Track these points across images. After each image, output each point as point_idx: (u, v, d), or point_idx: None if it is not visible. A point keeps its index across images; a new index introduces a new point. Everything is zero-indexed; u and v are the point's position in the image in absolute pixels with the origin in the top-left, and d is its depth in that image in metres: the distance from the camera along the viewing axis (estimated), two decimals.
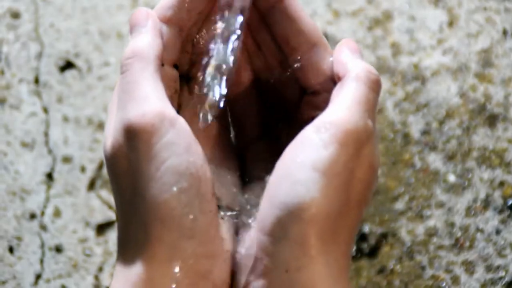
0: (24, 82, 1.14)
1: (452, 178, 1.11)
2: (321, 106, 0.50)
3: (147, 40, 0.51)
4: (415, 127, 1.13)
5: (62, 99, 1.13)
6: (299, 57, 0.55)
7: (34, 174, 1.09)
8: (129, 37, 0.52)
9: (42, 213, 1.08)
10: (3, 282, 1.02)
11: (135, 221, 0.47)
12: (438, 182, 1.11)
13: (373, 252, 1.08)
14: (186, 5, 0.53)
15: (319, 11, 1.20)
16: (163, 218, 0.46)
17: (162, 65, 0.52)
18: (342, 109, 0.48)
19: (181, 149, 0.47)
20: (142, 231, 0.46)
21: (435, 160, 1.12)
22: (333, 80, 0.52)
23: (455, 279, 1.07)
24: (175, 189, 0.46)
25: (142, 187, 0.46)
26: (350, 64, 0.51)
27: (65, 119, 1.12)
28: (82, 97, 1.13)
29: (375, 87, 0.50)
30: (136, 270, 0.46)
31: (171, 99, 0.50)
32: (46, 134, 1.11)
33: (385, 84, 1.15)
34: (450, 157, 1.12)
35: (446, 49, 1.17)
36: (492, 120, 1.14)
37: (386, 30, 1.18)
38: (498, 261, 1.08)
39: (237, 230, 0.50)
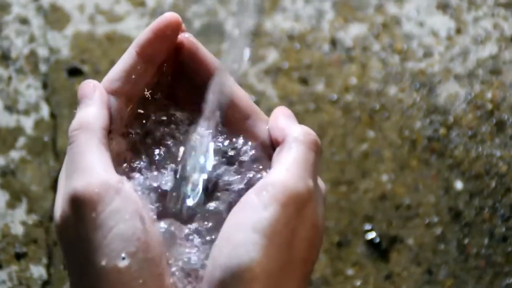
0: (32, 88, 1.14)
1: (459, 185, 1.11)
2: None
3: (93, 112, 0.52)
4: (423, 133, 1.13)
5: (70, 105, 1.13)
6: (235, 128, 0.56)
7: (42, 179, 1.09)
8: (77, 109, 0.53)
9: (50, 220, 1.08)
10: None
11: (86, 287, 0.49)
12: (445, 188, 1.11)
13: (380, 258, 1.08)
14: (133, 76, 0.54)
15: (327, 16, 1.20)
16: (114, 283, 0.47)
17: (110, 135, 0.53)
18: (281, 171, 0.49)
19: (127, 215, 0.48)
20: None
21: (442, 167, 1.12)
22: (271, 147, 0.54)
23: (463, 284, 1.07)
24: (123, 255, 0.47)
25: (91, 255, 0.47)
26: (287, 129, 0.52)
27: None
28: None
29: (313, 147, 0.51)
30: None
31: (122, 166, 0.52)
32: (53, 140, 1.11)
33: (393, 90, 1.15)
34: (457, 164, 1.12)
35: (453, 55, 1.17)
36: (500, 127, 1.13)
37: (394, 36, 1.18)
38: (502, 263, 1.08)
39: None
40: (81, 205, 0.48)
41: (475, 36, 1.18)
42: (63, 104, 1.14)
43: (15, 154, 1.10)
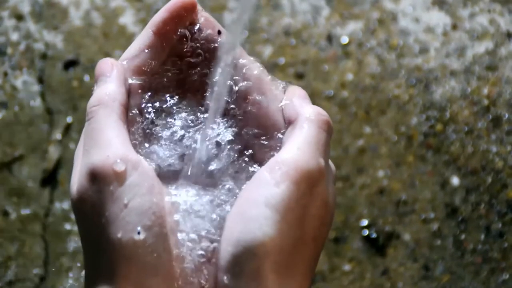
0: (28, 84, 1.14)
1: (455, 180, 1.11)
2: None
3: (112, 89, 0.53)
4: (419, 129, 1.13)
5: (66, 100, 1.13)
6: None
7: (36, 175, 1.09)
8: (94, 86, 0.54)
9: (46, 215, 1.08)
10: None
11: (102, 260, 0.49)
12: (442, 184, 1.11)
13: (377, 254, 1.08)
14: (148, 55, 0.55)
15: (323, 12, 1.20)
16: (129, 256, 0.48)
17: (127, 112, 0.54)
18: (293, 149, 0.49)
19: (144, 190, 0.49)
20: (108, 269, 0.48)
21: (439, 163, 1.12)
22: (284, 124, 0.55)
23: (459, 277, 1.07)
24: (139, 228, 0.48)
25: (107, 228, 0.48)
26: (300, 109, 0.53)
27: (68, 120, 1.12)
28: (86, 98, 1.13)
29: (325, 127, 0.52)
30: None
31: (138, 141, 0.53)
32: (49, 134, 1.11)
33: (389, 86, 1.15)
34: (454, 160, 1.12)
35: (449, 51, 1.17)
36: (496, 123, 1.13)
37: (390, 32, 1.18)
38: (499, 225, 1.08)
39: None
40: (99, 179, 0.49)
41: (471, 32, 1.18)
42: (59, 100, 1.13)
43: (11, 150, 1.10)
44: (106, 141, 0.50)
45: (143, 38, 0.56)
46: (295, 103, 0.54)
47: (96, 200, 0.49)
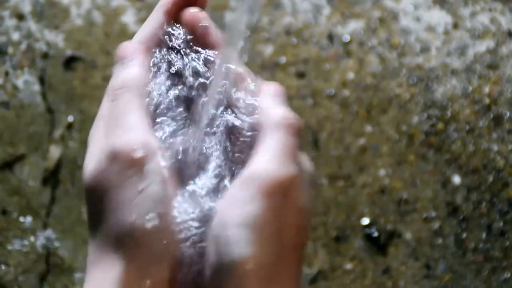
0: (29, 83, 1.14)
1: (457, 179, 1.11)
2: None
3: (136, 73, 0.53)
4: (420, 128, 1.13)
5: (67, 100, 1.13)
6: None
7: (37, 174, 1.09)
8: (116, 67, 0.54)
9: (47, 215, 1.08)
10: None
11: (109, 241, 0.49)
12: (443, 183, 1.11)
13: (378, 253, 1.08)
14: (159, 37, 0.56)
15: (324, 11, 1.20)
16: (138, 241, 0.48)
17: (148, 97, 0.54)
18: (262, 161, 0.49)
19: (159, 178, 0.49)
20: (116, 250, 0.49)
21: (440, 162, 1.12)
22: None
23: (461, 277, 1.07)
24: (152, 214, 0.48)
25: (120, 210, 0.49)
26: (268, 113, 0.53)
27: (70, 119, 1.12)
28: (87, 97, 1.13)
29: (292, 131, 0.51)
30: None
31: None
32: (50, 134, 1.11)
33: (390, 85, 1.15)
34: (455, 158, 1.12)
35: (451, 50, 1.17)
36: (497, 121, 1.14)
37: (391, 31, 1.18)
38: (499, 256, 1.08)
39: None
40: (119, 161, 0.49)
41: (472, 30, 1.18)
42: (60, 99, 1.13)
43: (12, 149, 1.10)
44: (130, 125, 0.51)
45: (153, 20, 0.56)
46: (265, 104, 0.54)
47: (113, 181, 0.49)
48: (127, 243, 0.48)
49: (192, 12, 0.57)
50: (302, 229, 0.50)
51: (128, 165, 0.49)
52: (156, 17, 0.57)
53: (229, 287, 0.47)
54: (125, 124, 0.51)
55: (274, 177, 0.49)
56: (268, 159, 0.50)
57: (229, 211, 0.49)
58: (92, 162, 0.51)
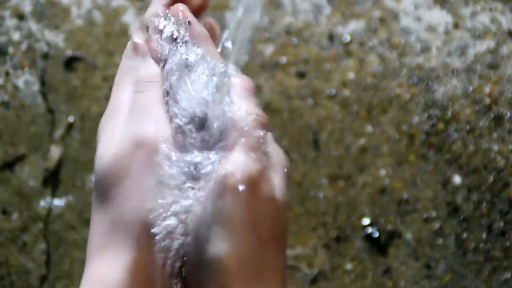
0: (29, 83, 1.14)
1: (457, 179, 1.11)
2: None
3: (159, 70, 0.55)
4: (420, 128, 1.13)
5: (67, 100, 1.13)
6: None
7: (38, 174, 1.09)
8: (135, 58, 0.55)
9: (48, 215, 1.08)
10: None
11: (121, 227, 0.50)
12: (443, 183, 1.11)
13: (379, 253, 1.08)
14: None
15: (325, 12, 1.20)
16: (151, 228, 0.49)
17: None
18: (230, 159, 0.50)
19: None
20: (127, 236, 0.49)
21: (440, 162, 1.12)
22: None
23: (460, 277, 1.07)
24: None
25: (138, 197, 0.50)
26: (233, 107, 0.53)
27: (70, 119, 1.12)
28: (87, 97, 1.13)
29: (257, 125, 0.52)
30: (113, 274, 0.49)
31: None
32: (50, 134, 1.11)
33: (390, 85, 1.15)
34: (455, 158, 1.12)
35: (451, 50, 1.17)
36: (497, 121, 1.13)
37: (391, 31, 1.18)
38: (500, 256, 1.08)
39: None
40: (146, 148, 0.50)
41: (473, 30, 1.18)
42: (60, 99, 1.14)
43: (12, 149, 1.10)
44: (157, 118, 0.52)
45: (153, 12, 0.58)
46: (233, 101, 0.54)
47: (135, 168, 0.50)
48: (140, 230, 0.49)
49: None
50: (277, 221, 0.50)
51: (153, 153, 0.50)
52: (154, 10, 0.58)
53: (210, 283, 0.48)
54: (152, 115, 0.52)
55: (241, 174, 0.49)
56: (234, 155, 0.50)
57: (204, 208, 0.50)
58: (112, 148, 0.52)
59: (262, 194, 0.50)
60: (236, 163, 0.50)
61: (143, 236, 0.49)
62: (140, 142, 0.50)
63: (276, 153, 0.53)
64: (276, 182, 0.51)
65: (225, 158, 0.51)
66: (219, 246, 0.48)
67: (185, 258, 0.49)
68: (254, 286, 0.49)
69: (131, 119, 0.52)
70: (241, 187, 0.48)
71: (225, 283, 0.48)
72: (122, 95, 0.54)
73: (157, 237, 0.49)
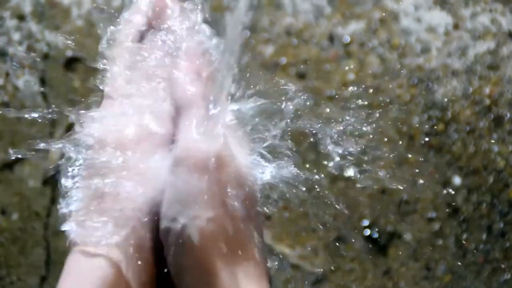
0: (29, 84, 1.14)
1: (457, 180, 1.11)
2: None
3: None
4: (421, 129, 1.13)
5: (68, 100, 1.13)
6: None
7: (38, 175, 1.09)
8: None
9: (48, 215, 1.08)
10: None
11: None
12: (443, 184, 1.11)
13: (379, 254, 1.08)
14: None
15: (326, 12, 1.20)
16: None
17: None
18: (184, 140, 0.51)
19: None
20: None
21: (440, 162, 1.12)
22: None
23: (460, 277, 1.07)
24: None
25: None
26: (180, 90, 0.54)
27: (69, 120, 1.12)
28: (87, 97, 1.13)
29: (198, 104, 0.52)
30: None
31: None
32: (51, 134, 1.11)
33: (390, 86, 1.15)
34: (455, 159, 1.12)
35: (451, 51, 1.17)
36: (497, 122, 1.13)
37: (391, 31, 1.18)
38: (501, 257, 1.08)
39: None
40: None
41: (473, 31, 1.18)
42: (60, 100, 1.13)
43: (12, 150, 1.10)
44: None
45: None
46: (177, 82, 0.54)
47: None
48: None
49: None
50: (247, 197, 0.50)
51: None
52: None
53: (187, 263, 0.48)
54: None
55: (204, 154, 0.49)
56: (189, 137, 0.50)
57: (169, 192, 0.50)
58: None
59: (230, 173, 0.50)
60: (192, 142, 0.50)
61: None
62: None
63: (235, 133, 0.53)
64: (243, 161, 0.51)
65: (180, 139, 0.51)
66: (193, 227, 0.48)
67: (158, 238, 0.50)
68: (236, 264, 0.49)
69: None
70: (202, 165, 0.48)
71: (206, 259, 0.48)
72: None
73: None
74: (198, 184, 0.49)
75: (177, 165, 0.49)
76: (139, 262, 0.49)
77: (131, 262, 0.48)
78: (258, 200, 0.52)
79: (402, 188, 1.10)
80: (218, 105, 0.50)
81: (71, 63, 1.16)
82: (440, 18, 1.19)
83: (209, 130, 0.50)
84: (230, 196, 0.50)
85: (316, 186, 1.10)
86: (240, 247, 0.49)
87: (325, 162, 1.12)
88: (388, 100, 1.15)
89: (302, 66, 1.16)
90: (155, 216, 0.50)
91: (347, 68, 1.16)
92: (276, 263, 1.01)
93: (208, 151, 0.49)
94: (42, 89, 1.14)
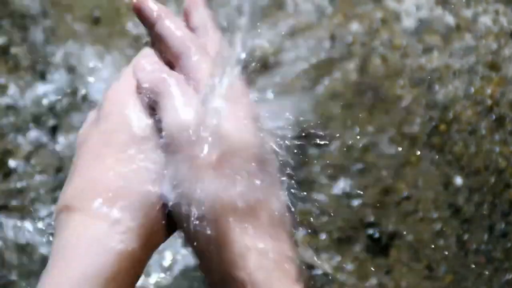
0: (31, 84, 1.14)
1: (459, 180, 1.11)
2: None
3: None
4: (422, 129, 1.13)
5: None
6: None
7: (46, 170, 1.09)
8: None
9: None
10: None
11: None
12: (445, 184, 1.11)
13: (380, 254, 1.08)
14: None
15: (327, 12, 1.20)
16: None
17: None
18: (167, 116, 0.51)
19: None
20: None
21: (442, 163, 1.12)
22: None
23: (462, 279, 1.07)
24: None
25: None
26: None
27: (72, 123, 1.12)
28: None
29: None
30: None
31: None
32: (53, 136, 1.11)
33: (392, 86, 1.15)
34: (457, 160, 1.12)
35: (453, 51, 1.17)
36: (499, 123, 1.13)
37: (393, 32, 1.18)
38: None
39: None
40: None
41: (475, 32, 1.18)
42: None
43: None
44: None
45: None
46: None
47: None
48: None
49: None
50: (259, 159, 0.50)
51: None
52: None
53: (204, 222, 0.48)
54: None
55: (175, 131, 0.50)
56: (171, 117, 0.51)
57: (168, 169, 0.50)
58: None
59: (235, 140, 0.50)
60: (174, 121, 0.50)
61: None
62: None
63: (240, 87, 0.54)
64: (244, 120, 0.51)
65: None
66: (212, 195, 0.48)
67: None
68: (250, 222, 0.49)
69: None
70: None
71: (219, 220, 0.48)
72: None
73: None
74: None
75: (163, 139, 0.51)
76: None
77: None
78: (274, 162, 0.52)
79: (403, 188, 1.10)
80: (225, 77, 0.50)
81: (74, 62, 1.16)
82: (442, 18, 1.19)
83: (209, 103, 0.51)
84: (241, 158, 0.50)
85: (316, 186, 1.10)
86: (259, 209, 0.50)
87: (327, 162, 1.12)
88: (389, 100, 1.15)
89: None
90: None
91: (349, 68, 1.16)
92: None
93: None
94: (42, 89, 1.14)
